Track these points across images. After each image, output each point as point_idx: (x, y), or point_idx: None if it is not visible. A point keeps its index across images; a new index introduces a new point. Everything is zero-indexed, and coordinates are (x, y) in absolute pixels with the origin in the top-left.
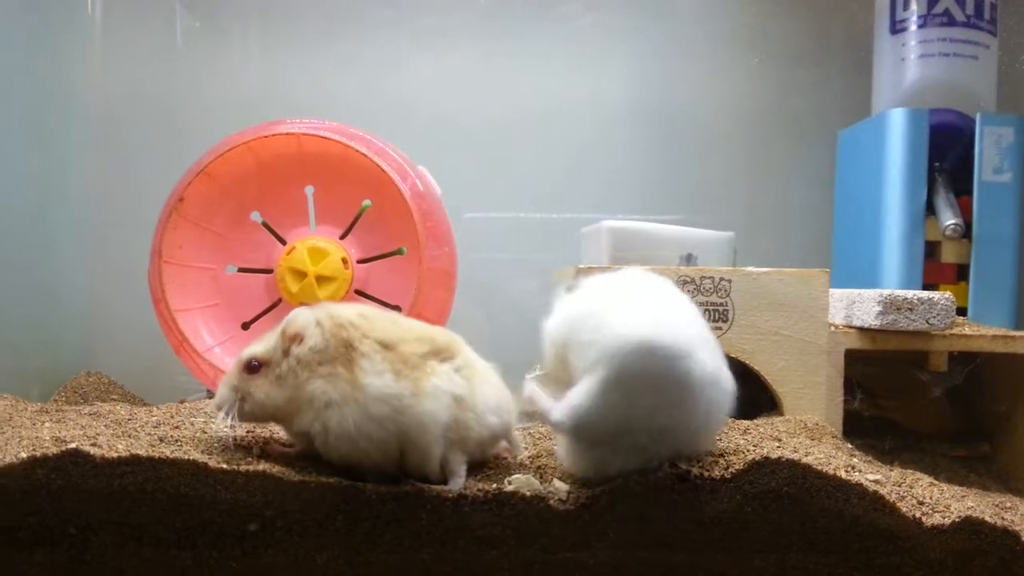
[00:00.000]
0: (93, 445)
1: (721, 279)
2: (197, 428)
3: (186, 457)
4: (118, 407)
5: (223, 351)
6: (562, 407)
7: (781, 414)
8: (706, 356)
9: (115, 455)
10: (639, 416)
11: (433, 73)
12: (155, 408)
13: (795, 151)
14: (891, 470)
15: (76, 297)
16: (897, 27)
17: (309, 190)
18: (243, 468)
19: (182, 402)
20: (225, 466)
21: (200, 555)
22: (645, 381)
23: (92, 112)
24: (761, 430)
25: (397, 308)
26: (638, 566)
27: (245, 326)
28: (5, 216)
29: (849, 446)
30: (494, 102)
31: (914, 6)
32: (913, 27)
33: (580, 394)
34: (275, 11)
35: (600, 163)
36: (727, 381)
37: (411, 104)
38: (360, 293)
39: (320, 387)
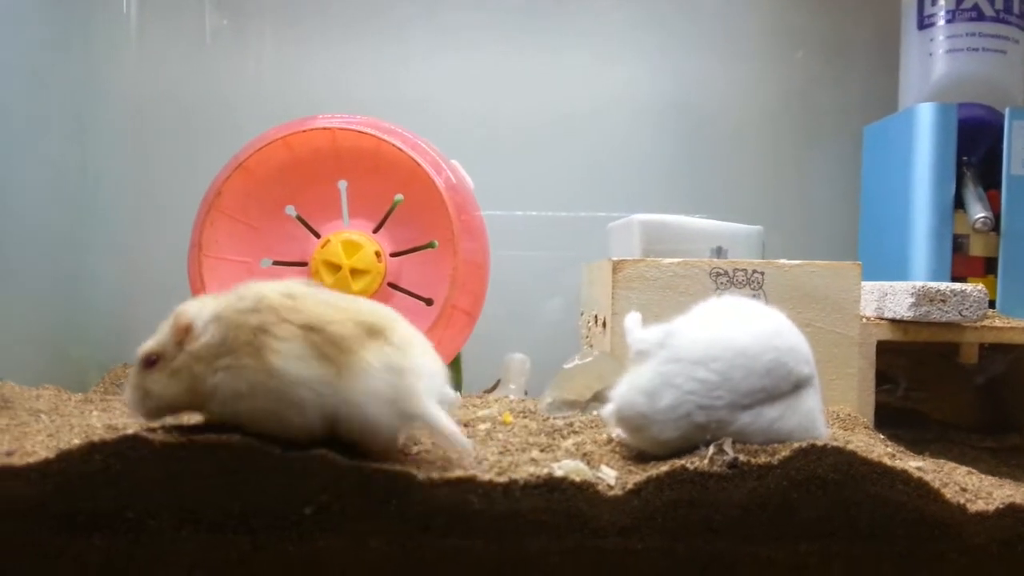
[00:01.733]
0: (149, 431)
1: (754, 271)
2: None
3: (242, 442)
4: None
5: None
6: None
7: None
8: None
9: (172, 440)
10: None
11: (459, 69)
12: None
13: (820, 146)
14: (923, 459)
15: (111, 290)
16: (925, 22)
17: (342, 184)
18: (299, 453)
19: None
20: (281, 451)
21: (257, 539)
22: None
23: (125, 109)
24: None
25: (429, 301)
26: (686, 551)
27: None
28: (45, 211)
29: (882, 436)
30: (520, 99)
31: (942, 1)
32: (941, 22)
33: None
34: (302, 9)
35: (626, 159)
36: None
37: (437, 101)
38: (393, 286)
39: (222, 379)
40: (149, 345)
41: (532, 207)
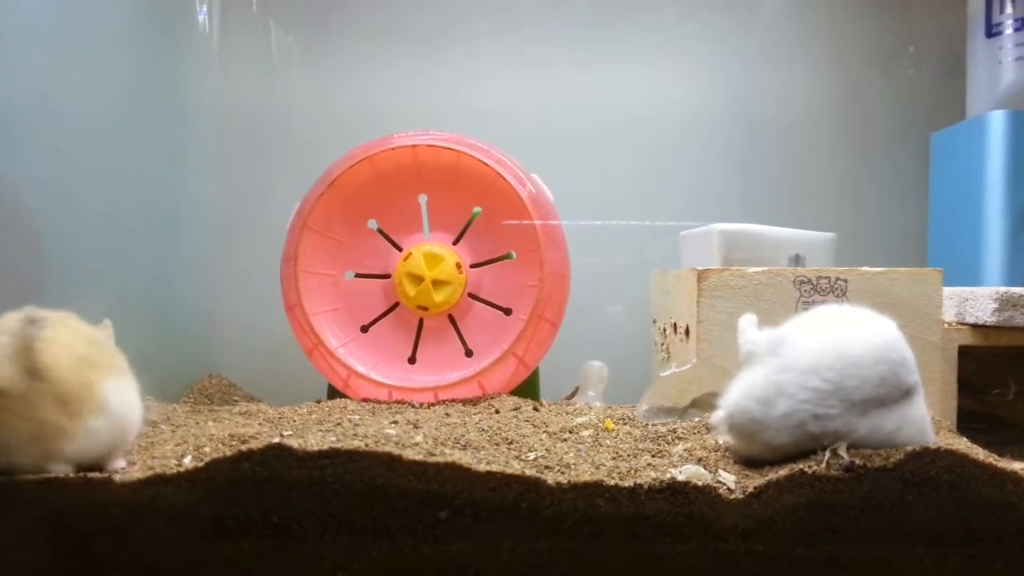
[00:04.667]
0: (289, 439)
1: (837, 279)
2: (355, 423)
3: (381, 449)
4: (262, 406)
5: (346, 352)
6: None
7: None
8: None
9: (315, 448)
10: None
11: (530, 83)
12: (298, 407)
13: (885, 153)
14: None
15: (196, 302)
16: (993, 30)
17: (422, 198)
18: (433, 460)
19: (319, 402)
20: (417, 457)
21: (395, 542)
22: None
23: (208, 125)
24: None
25: (508, 311)
26: (805, 553)
27: (364, 329)
28: (137, 227)
29: (965, 439)
30: (586, 111)
31: (1010, 9)
32: (1009, 30)
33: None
34: (378, 26)
35: (690, 168)
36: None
37: (506, 114)
38: (473, 296)
39: None
40: None
41: (596, 215)
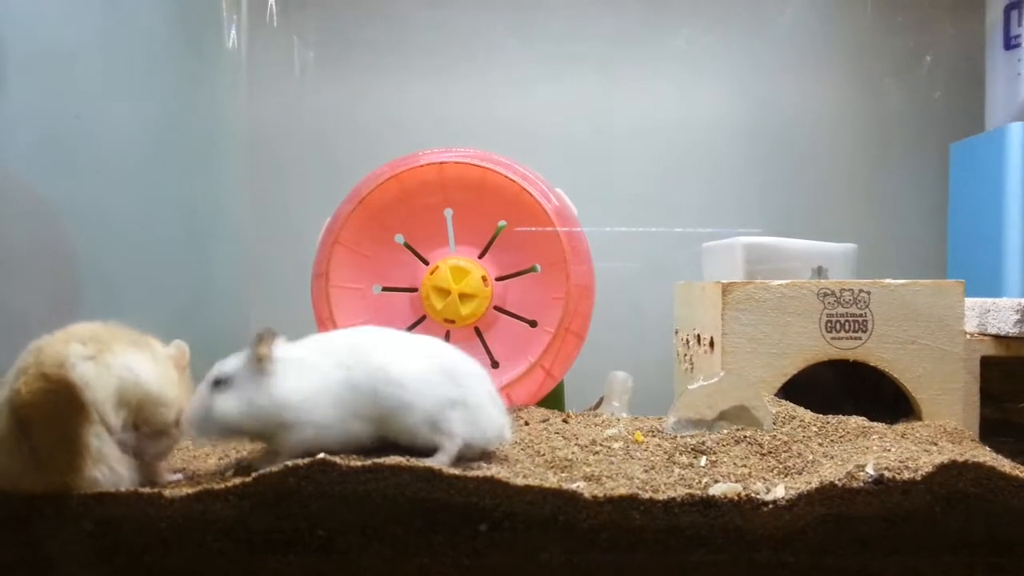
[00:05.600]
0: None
1: (860, 291)
2: None
3: (422, 464)
4: None
5: None
6: None
7: (919, 419)
8: None
9: (359, 464)
10: None
11: (552, 98)
12: None
13: (903, 163)
14: None
15: (229, 313)
16: (1011, 43)
17: (448, 212)
18: (472, 474)
19: None
20: (457, 472)
21: (436, 554)
22: None
23: (237, 142)
24: (918, 433)
25: (533, 323)
26: (835, 563)
27: None
28: (175, 238)
29: (988, 449)
30: (608, 124)
31: None
32: None
33: None
34: (400, 41)
35: (710, 179)
36: None
37: (531, 127)
38: (498, 309)
39: None
40: None
41: (618, 227)
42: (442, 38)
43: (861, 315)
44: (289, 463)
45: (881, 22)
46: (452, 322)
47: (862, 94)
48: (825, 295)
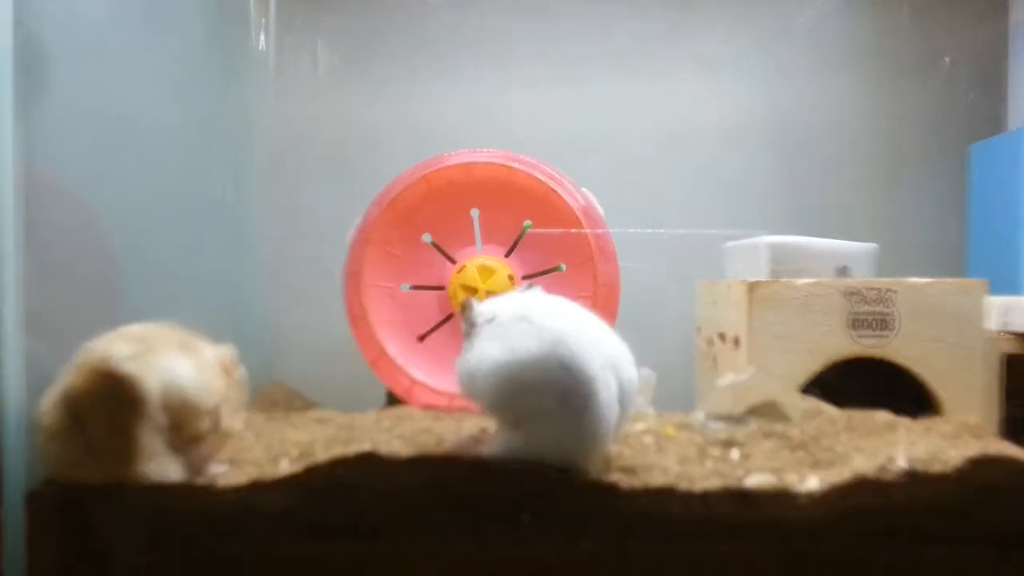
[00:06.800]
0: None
1: (887, 290)
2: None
3: (466, 456)
4: (332, 413)
5: (404, 362)
6: None
7: (940, 415)
8: None
9: (404, 456)
10: None
11: (574, 99)
12: (364, 414)
13: (924, 163)
14: None
15: (260, 314)
16: None
17: (474, 212)
18: (517, 466)
19: (390, 404)
20: (502, 464)
21: (480, 543)
22: None
23: (267, 144)
24: (941, 429)
25: None
26: (870, 554)
27: (420, 339)
28: (207, 243)
29: (1012, 445)
30: (630, 125)
31: None
32: None
33: None
34: (427, 46)
35: (729, 180)
36: None
37: (553, 129)
38: None
39: None
40: None
41: (641, 228)
42: (465, 41)
43: (887, 313)
44: (337, 455)
45: (903, 23)
46: None
47: (883, 96)
48: (851, 294)
